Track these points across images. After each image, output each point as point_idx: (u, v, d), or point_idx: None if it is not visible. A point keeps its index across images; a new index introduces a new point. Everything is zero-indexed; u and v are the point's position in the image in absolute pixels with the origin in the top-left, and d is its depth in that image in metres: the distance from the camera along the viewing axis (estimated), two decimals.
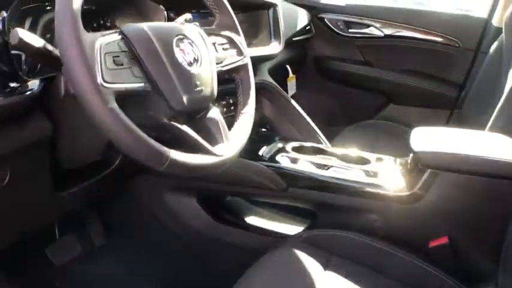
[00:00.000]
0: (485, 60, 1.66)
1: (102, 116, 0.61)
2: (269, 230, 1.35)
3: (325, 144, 1.55)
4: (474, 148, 0.94)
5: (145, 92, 0.71)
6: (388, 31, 2.07)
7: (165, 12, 1.13)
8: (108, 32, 0.70)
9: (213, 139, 0.81)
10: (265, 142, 1.37)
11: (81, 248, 1.49)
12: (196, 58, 0.80)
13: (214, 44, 0.91)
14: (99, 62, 0.64)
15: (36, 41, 0.68)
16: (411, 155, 1.15)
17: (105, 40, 0.68)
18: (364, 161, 1.27)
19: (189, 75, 0.77)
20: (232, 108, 1.36)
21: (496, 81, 1.43)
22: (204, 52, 0.82)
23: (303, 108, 1.65)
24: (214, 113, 0.84)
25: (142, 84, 0.70)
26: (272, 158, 1.28)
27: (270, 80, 1.60)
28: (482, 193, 1.06)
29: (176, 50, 0.76)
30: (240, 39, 0.98)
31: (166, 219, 1.40)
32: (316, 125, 1.63)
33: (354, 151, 1.33)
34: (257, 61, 1.43)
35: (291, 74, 1.92)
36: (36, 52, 0.68)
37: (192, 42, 0.81)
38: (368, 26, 2.10)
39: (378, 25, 2.08)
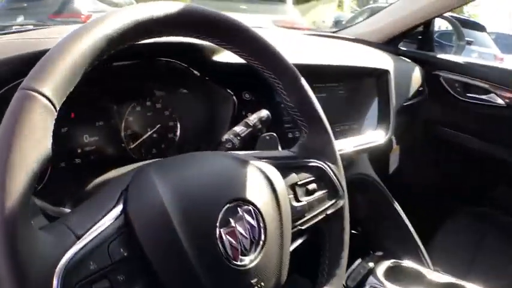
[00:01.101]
0: None
1: None
2: None
3: (427, 264, 1.25)
4: None
5: None
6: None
7: (234, 98, 0.85)
8: (89, 227, 0.41)
9: None
10: (353, 255, 1.10)
11: None
12: (256, 238, 0.50)
13: (293, 186, 0.60)
14: None
15: None
16: None
17: (75, 255, 0.39)
18: None
19: (237, 276, 0.47)
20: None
21: None
22: (272, 221, 0.51)
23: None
24: None
25: None
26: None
27: (370, 172, 1.30)
28: None
29: (220, 234, 0.46)
30: (335, 168, 0.66)
31: None
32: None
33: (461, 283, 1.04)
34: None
35: (394, 146, 1.58)
36: None
37: (254, 208, 0.50)
38: (489, 91, 1.71)
39: (500, 92, 1.68)
